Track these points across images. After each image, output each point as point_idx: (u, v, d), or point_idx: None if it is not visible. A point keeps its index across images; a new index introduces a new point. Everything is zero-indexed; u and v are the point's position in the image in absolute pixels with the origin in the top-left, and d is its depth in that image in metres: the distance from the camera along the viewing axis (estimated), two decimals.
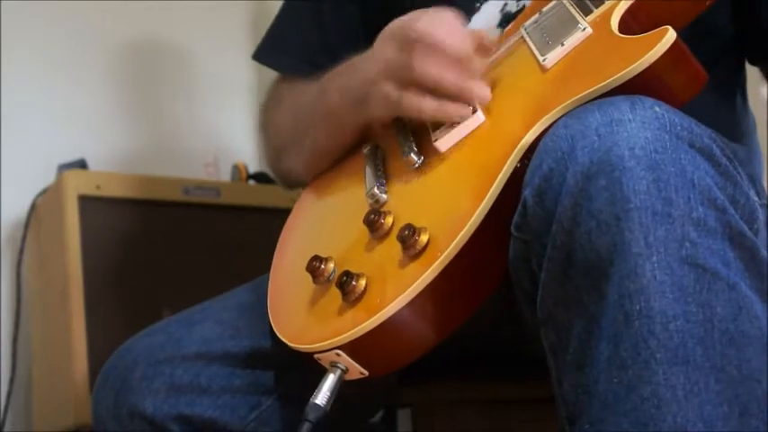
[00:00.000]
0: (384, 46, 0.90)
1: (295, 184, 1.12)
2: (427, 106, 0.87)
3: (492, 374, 1.13)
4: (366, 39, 0.96)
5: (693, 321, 0.64)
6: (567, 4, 0.87)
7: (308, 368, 0.82)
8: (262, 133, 1.19)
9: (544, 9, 0.91)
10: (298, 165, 1.08)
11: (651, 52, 0.72)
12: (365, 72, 0.92)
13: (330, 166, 1.05)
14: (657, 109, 0.70)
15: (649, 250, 0.64)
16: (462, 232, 0.75)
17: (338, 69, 1.00)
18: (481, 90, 0.87)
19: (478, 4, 1.04)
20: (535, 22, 0.91)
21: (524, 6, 1.00)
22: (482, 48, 0.89)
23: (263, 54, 1.21)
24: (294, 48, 1.18)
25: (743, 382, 0.64)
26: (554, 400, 0.73)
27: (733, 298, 0.65)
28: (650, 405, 0.63)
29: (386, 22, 0.93)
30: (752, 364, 0.65)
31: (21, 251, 1.88)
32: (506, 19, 1.02)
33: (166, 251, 1.81)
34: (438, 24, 0.86)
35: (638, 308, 0.64)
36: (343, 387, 0.79)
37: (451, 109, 0.86)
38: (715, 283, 0.65)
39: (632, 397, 0.63)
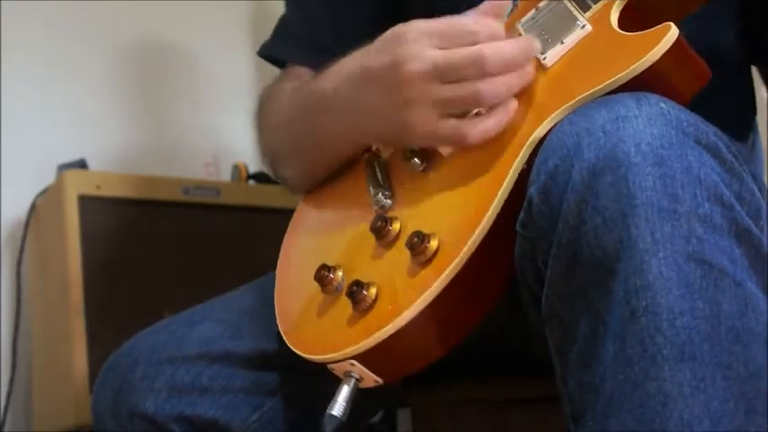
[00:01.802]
0: (426, 85, 0.82)
1: (296, 189, 1.10)
2: (491, 127, 0.82)
3: (493, 375, 1.13)
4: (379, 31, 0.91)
5: (700, 318, 0.63)
6: (565, 0, 0.87)
7: (313, 371, 0.81)
8: (255, 131, 1.15)
9: (540, 5, 0.89)
10: (294, 176, 1.07)
11: (654, 50, 0.72)
12: (406, 117, 0.84)
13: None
14: (663, 105, 0.69)
15: (656, 246, 0.64)
16: (473, 237, 0.75)
17: (324, 94, 0.94)
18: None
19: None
20: (532, 18, 0.89)
21: None
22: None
23: (267, 48, 1.18)
24: (302, 37, 1.14)
25: (749, 379, 0.63)
26: (555, 400, 0.73)
27: (739, 295, 0.65)
28: (656, 401, 0.62)
29: (398, 14, 0.91)
30: (758, 361, 0.64)
31: (21, 251, 1.87)
32: None
33: (166, 251, 1.81)
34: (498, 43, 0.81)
35: (644, 304, 0.63)
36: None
37: (505, 114, 0.82)
38: (722, 280, 0.65)
39: (638, 393, 0.63)
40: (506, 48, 0.81)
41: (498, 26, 0.83)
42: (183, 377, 0.96)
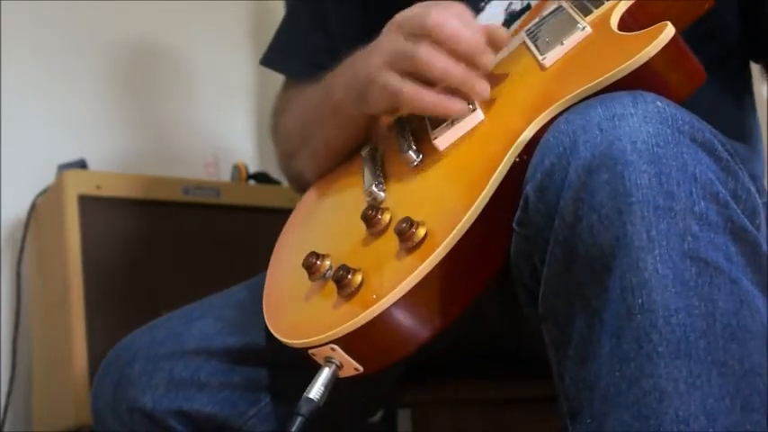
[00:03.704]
0: (390, 36, 0.89)
1: (307, 186, 1.12)
2: (427, 98, 0.85)
3: (492, 374, 1.13)
4: (369, 40, 0.96)
5: (695, 315, 0.63)
6: (567, 7, 0.88)
7: (309, 366, 0.81)
8: (273, 140, 1.20)
9: (545, 13, 0.92)
10: (308, 165, 1.09)
11: (650, 46, 0.72)
12: (367, 63, 0.91)
13: (338, 164, 1.05)
14: (659, 104, 0.69)
15: (651, 244, 0.64)
16: (459, 226, 0.75)
17: (341, 66, 1.00)
18: (482, 86, 0.86)
19: (483, 4, 1.04)
20: (536, 24, 0.91)
21: (529, 5, 1.01)
22: (494, 43, 0.87)
23: (270, 59, 1.21)
24: (300, 51, 1.18)
25: (745, 377, 0.63)
26: (554, 399, 0.73)
27: (735, 292, 0.65)
28: (652, 398, 0.62)
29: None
30: (753, 359, 0.64)
31: (21, 251, 1.88)
32: (511, 18, 1.02)
33: (166, 251, 1.81)
34: (450, 17, 0.84)
35: (640, 301, 0.64)
36: (343, 386, 0.79)
37: (451, 104, 0.85)
38: (717, 278, 0.65)
39: (634, 390, 0.63)
40: (463, 30, 0.84)
41: (473, 23, 0.87)
42: (182, 372, 0.97)
